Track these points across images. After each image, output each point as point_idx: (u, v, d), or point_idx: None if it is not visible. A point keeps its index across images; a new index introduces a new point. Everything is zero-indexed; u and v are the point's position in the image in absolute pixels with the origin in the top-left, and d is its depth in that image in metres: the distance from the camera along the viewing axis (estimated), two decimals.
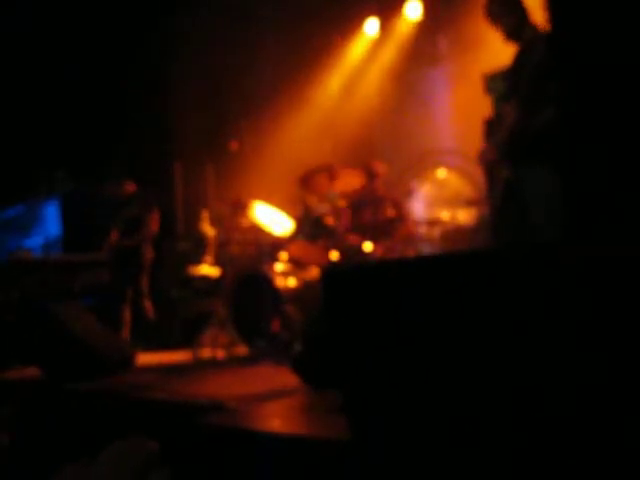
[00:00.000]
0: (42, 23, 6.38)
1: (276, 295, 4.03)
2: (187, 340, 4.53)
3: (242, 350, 4.09)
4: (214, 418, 2.19)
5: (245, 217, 4.58)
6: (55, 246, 7.13)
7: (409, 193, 5.26)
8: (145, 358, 4.30)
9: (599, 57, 1.52)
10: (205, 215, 4.96)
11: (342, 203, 4.50)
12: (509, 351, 1.19)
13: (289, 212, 4.73)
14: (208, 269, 4.92)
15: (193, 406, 2.50)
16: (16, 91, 6.54)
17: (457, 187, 5.36)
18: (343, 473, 1.60)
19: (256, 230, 4.67)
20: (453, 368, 1.27)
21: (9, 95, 6.49)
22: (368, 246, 4.32)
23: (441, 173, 5.55)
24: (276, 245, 4.57)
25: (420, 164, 5.58)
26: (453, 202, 5.27)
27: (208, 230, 4.92)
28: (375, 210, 4.84)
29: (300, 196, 4.83)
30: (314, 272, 4.28)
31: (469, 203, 4.95)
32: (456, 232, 5.03)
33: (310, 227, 4.39)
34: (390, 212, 4.84)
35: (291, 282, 4.16)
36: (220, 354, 4.06)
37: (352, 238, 4.40)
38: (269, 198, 4.84)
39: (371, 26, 6.43)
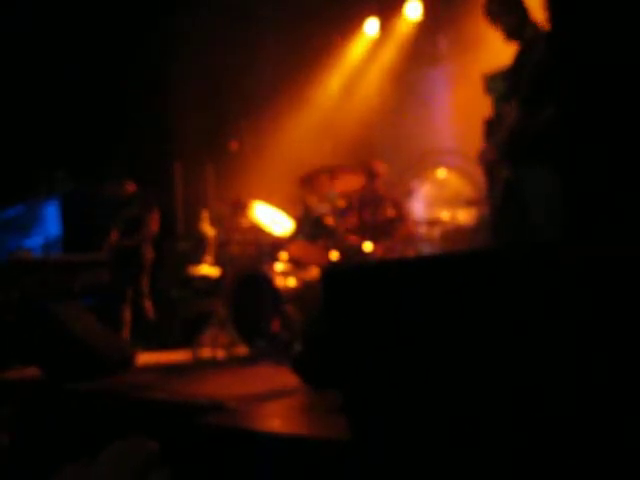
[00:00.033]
0: (42, 23, 6.38)
1: (276, 295, 4.03)
2: (187, 340, 4.53)
3: (242, 350, 4.09)
4: (214, 418, 2.19)
5: (245, 217, 4.58)
6: (55, 246, 7.14)
7: (409, 193, 5.26)
8: (145, 358, 4.30)
9: (599, 57, 1.52)
10: (205, 215, 4.96)
11: (342, 203, 4.49)
12: (509, 351, 1.19)
13: (289, 212, 4.72)
14: (208, 269, 4.93)
15: (193, 406, 2.51)
16: (16, 91, 6.54)
17: (457, 187, 5.36)
18: (343, 473, 1.60)
19: (256, 230, 4.66)
20: (453, 368, 1.27)
21: (9, 95, 6.49)
22: (368, 246, 4.32)
23: (441, 173, 5.55)
24: (276, 245, 4.57)
25: (420, 164, 5.58)
26: (453, 202, 5.27)
27: (208, 230, 4.92)
28: (375, 210, 4.84)
29: (300, 196, 4.82)
30: (314, 272, 4.28)
31: (469, 203, 4.95)
32: (456, 232, 5.03)
33: (310, 227, 4.39)
34: (390, 212, 4.83)
35: (291, 282, 4.16)
36: (220, 354, 4.06)
37: (352, 238, 4.40)
38: (269, 198, 4.84)
39: (371, 26, 6.43)
